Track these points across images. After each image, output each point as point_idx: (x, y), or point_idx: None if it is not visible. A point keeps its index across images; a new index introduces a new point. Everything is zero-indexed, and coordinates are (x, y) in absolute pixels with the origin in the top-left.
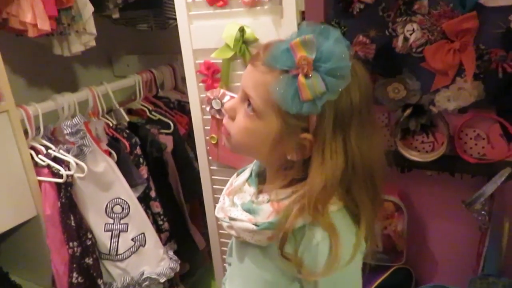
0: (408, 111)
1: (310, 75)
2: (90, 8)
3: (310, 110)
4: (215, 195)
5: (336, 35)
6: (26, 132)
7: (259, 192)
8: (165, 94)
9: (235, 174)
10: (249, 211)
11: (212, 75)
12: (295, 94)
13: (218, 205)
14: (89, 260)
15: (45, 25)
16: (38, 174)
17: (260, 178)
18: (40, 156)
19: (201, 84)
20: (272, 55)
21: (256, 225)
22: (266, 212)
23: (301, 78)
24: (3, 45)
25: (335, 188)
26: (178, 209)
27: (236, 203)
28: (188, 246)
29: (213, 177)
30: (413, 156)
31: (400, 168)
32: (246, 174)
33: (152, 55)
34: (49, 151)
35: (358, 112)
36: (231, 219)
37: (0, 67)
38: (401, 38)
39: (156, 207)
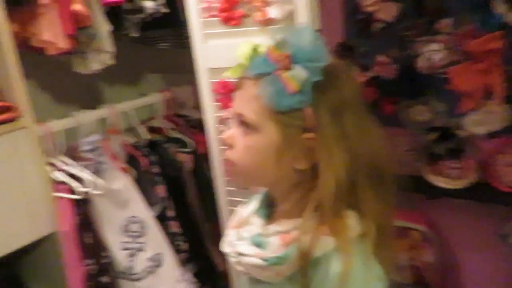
0: (434, 135)
1: (290, 67)
2: (108, 27)
3: (302, 100)
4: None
5: (304, 27)
6: (45, 149)
7: (268, 223)
8: (186, 113)
9: (242, 206)
10: (257, 244)
11: (227, 94)
12: (282, 90)
13: (224, 240)
14: (105, 279)
15: (63, 44)
16: (55, 190)
17: (269, 209)
18: (58, 172)
19: (216, 103)
20: (252, 67)
21: (264, 260)
22: (275, 245)
23: (283, 72)
24: (27, 63)
25: (345, 185)
26: (197, 229)
27: (244, 237)
28: (207, 268)
29: (230, 198)
30: (440, 182)
31: (427, 196)
32: (253, 205)
33: (175, 74)
34: (67, 168)
35: (350, 104)
36: (239, 254)
37: (20, 85)
38: (423, 58)
39: (174, 227)
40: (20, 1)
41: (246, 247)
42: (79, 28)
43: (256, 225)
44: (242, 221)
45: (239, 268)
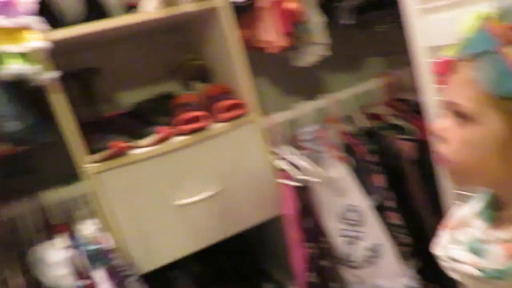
0: None
1: None
2: (322, 19)
3: None
4: None
5: None
6: (269, 139)
7: (493, 228)
8: (409, 97)
9: (461, 203)
10: (474, 251)
11: (450, 75)
12: (506, 71)
13: (436, 240)
14: (325, 263)
15: (282, 42)
16: (279, 177)
17: (494, 212)
18: (281, 161)
19: (437, 85)
20: (467, 45)
21: (481, 270)
22: (496, 255)
23: (506, 48)
24: (253, 62)
25: None
26: (421, 223)
27: (460, 241)
28: (432, 266)
29: (455, 190)
30: None
31: None
32: (475, 204)
33: (395, 56)
34: (289, 156)
35: None
36: (452, 259)
37: (249, 84)
38: None
39: (395, 219)
40: (244, 8)
41: (461, 253)
42: (295, 24)
43: (477, 228)
44: (459, 222)
45: (452, 274)
